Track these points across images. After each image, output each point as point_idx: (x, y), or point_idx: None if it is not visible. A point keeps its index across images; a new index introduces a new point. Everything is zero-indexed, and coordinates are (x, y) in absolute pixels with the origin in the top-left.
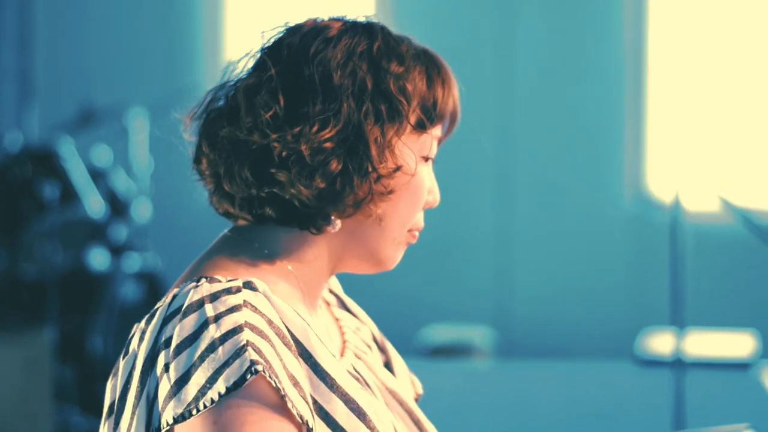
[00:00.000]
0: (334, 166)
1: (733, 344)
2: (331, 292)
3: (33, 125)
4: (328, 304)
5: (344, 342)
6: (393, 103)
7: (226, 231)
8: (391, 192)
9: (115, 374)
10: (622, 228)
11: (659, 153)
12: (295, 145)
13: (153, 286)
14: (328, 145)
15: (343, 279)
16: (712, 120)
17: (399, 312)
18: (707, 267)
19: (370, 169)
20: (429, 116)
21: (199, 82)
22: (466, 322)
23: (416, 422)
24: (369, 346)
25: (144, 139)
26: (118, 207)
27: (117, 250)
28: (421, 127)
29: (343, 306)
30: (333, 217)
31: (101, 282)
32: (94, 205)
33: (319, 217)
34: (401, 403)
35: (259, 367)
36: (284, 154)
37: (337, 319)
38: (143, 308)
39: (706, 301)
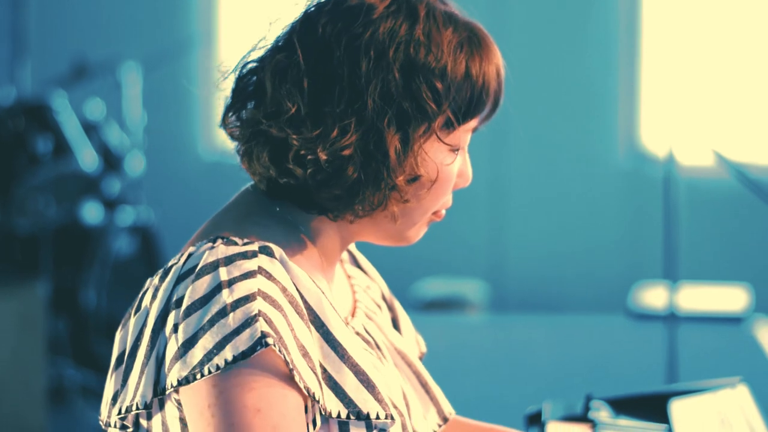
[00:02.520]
0: (350, 173)
1: (726, 298)
2: None
3: (26, 79)
4: (341, 261)
5: (355, 302)
6: (420, 104)
7: (248, 186)
8: (407, 201)
9: (125, 326)
10: (615, 182)
11: (653, 107)
12: (313, 147)
13: (146, 240)
14: (346, 152)
15: None
16: (705, 74)
17: (393, 266)
18: (701, 221)
19: (385, 176)
20: (462, 113)
21: (193, 36)
22: (460, 276)
23: (423, 384)
24: (379, 306)
25: (137, 92)
26: (111, 160)
27: (110, 204)
28: (450, 127)
29: (355, 262)
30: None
31: (94, 235)
32: (88, 158)
33: (333, 212)
34: (409, 365)
35: (270, 340)
36: (302, 152)
37: (349, 277)
38: (137, 261)
39: (699, 255)
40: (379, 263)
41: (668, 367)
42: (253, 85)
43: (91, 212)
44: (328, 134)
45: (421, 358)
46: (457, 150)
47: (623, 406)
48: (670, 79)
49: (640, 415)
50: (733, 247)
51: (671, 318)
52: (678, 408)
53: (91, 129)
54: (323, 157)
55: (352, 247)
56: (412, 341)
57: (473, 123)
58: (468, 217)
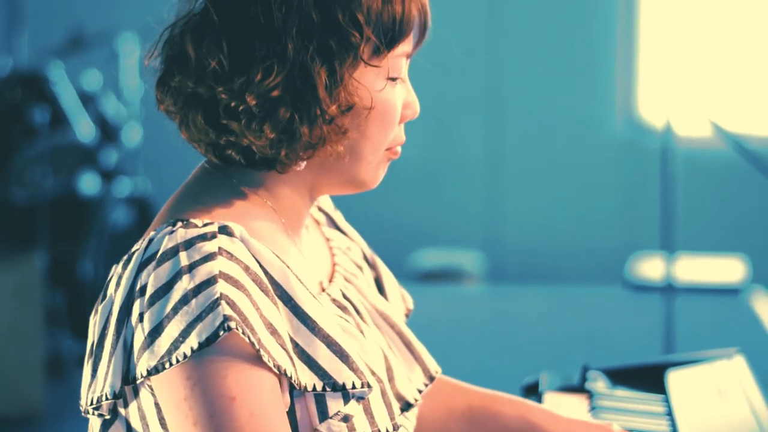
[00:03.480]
0: (282, 113)
1: (724, 269)
2: (320, 210)
3: (23, 50)
4: (318, 223)
5: (334, 265)
6: (343, 36)
7: (203, 163)
8: (345, 131)
9: (95, 314)
10: (613, 153)
11: (650, 78)
12: (241, 96)
13: (143, 211)
14: (274, 93)
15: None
16: (703, 44)
17: (390, 237)
18: (698, 192)
19: (318, 113)
20: (388, 39)
21: None
22: (457, 247)
23: (407, 344)
24: (360, 267)
25: (134, 63)
26: (108, 131)
27: (107, 175)
28: (378, 53)
29: (333, 224)
30: (293, 160)
31: (92, 207)
32: (85, 129)
33: (277, 162)
34: (392, 326)
35: (233, 324)
36: (232, 104)
37: (327, 240)
38: (134, 233)
39: (696, 226)
40: (375, 234)
41: (665, 338)
42: (176, 55)
43: (89, 183)
44: (253, 79)
45: (408, 315)
46: (395, 79)
47: (620, 376)
48: (667, 49)
49: (637, 386)
50: (730, 218)
51: (668, 289)
52: (675, 378)
53: (88, 100)
54: (252, 102)
55: (330, 208)
56: (397, 300)
57: (404, 48)
58: (464, 188)
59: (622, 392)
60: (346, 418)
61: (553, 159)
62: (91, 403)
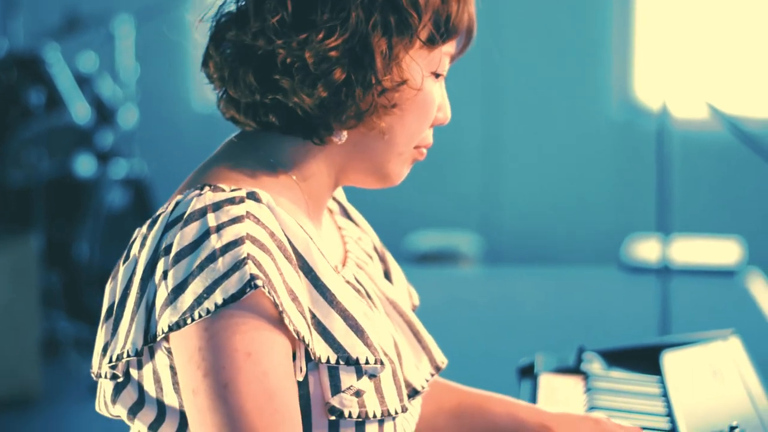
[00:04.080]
0: (338, 75)
1: (719, 251)
2: (334, 199)
3: (18, 31)
4: (331, 212)
5: (346, 252)
6: (403, 15)
7: (232, 137)
8: (394, 106)
9: (115, 277)
10: (609, 135)
11: (647, 60)
12: (299, 53)
13: (139, 192)
14: (333, 54)
15: None
16: (699, 26)
17: (386, 218)
18: (694, 174)
19: (373, 81)
20: (441, 32)
21: None
22: (453, 229)
23: (415, 333)
24: (370, 256)
25: (130, 45)
26: (104, 113)
27: (103, 157)
28: (431, 42)
29: (346, 214)
30: (336, 128)
31: (87, 188)
32: (80, 111)
33: (322, 127)
34: (401, 314)
35: (259, 282)
36: (288, 60)
37: (339, 228)
38: (130, 214)
39: (692, 207)
40: (372, 216)
41: (661, 320)
42: (234, 13)
43: (84, 165)
44: (314, 38)
45: (413, 310)
46: (438, 76)
47: (616, 358)
48: (664, 31)
49: (632, 367)
50: (726, 199)
51: (664, 271)
52: (670, 360)
53: (83, 81)
54: (310, 60)
55: (343, 198)
56: (404, 293)
57: (450, 48)
58: (461, 170)
59: (617, 373)
60: (358, 393)
61: (549, 141)
62: (110, 361)
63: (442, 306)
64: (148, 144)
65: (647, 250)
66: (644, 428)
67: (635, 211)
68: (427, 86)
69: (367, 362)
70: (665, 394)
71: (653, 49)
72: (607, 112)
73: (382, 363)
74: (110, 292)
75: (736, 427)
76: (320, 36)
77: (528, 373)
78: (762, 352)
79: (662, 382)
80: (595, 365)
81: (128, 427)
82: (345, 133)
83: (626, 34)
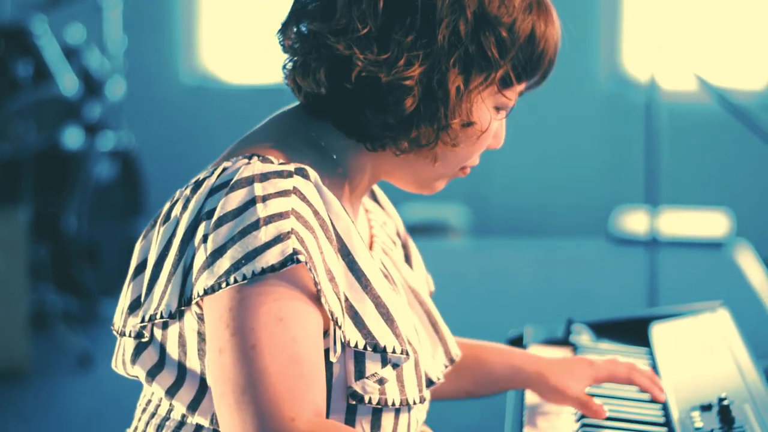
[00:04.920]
0: (408, 104)
1: (707, 223)
2: None
3: (5, 3)
4: None
5: (372, 236)
6: (486, 55)
7: (284, 110)
8: (455, 145)
9: (146, 237)
10: (597, 107)
11: (635, 31)
12: (376, 70)
13: (127, 164)
14: (408, 82)
15: None
16: None
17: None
18: (682, 146)
19: (442, 118)
20: (518, 74)
21: None
22: (441, 201)
23: (433, 324)
24: (393, 242)
25: (118, 16)
26: (92, 85)
27: (91, 129)
28: (506, 84)
29: (374, 197)
30: (390, 149)
31: (75, 160)
32: (68, 83)
33: (377, 142)
34: (421, 303)
35: (302, 258)
36: (363, 74)
37: (367, 211)
38: (118, 186)
39: (681, 180)
40: None
41: (649, 292)
42: (326, 2)
43: (72, 137)
44: (395, 61)
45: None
46: (504, 110)
47: (604, 329)
48: (652, 2)
49: (620, 339)
50: (714, 172)
51: (652, 242)
52: (659, 331)
53: (71, 53)
54: (384, 81)
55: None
56: (422, 279)
57: (523, 86)
58: None
59: (606, 345)
60: (380, 381)
61: (538, 112)
62: (141, 321)
63: (431, 277)
64: (135, 116)
65: (635, 222)
66: (632, 399)
67: (624, 183)
68: (491, 126)
69: (393, 351)
70: (654, 366)
71: (642, 20)
72: (596, 84)
73: (407, 353)
74: (140, 251)
75: (724, 399)
76: (401, 62)
77: (517, 344)
78: (750, 323)
79: (651, 353)
80: (583, 337)
81: (115, 397)
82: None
83: (614, 6)
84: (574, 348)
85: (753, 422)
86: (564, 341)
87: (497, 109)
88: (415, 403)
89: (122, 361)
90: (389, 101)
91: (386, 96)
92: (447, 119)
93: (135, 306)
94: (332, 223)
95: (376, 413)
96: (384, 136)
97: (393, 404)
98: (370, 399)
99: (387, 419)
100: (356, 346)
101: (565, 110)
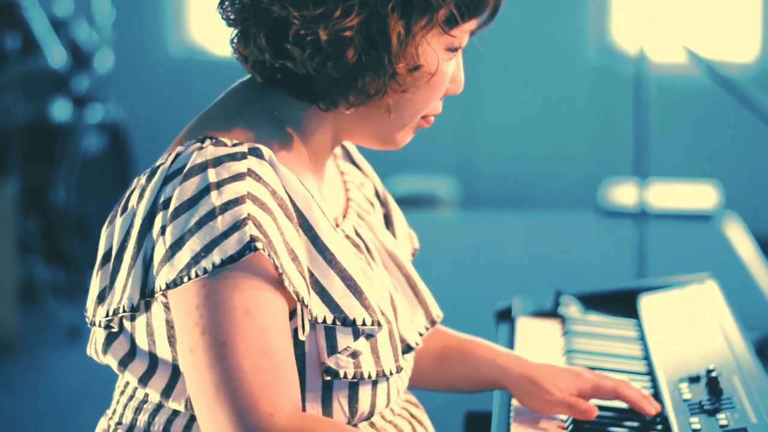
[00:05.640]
0: (350, 56)
1: (696, 195)
2: None
3: None
4: (334, 155)
5: (348, 200)
6: None
7: (237, 84)
8: (405, 90)
9: (111, 223)
10: (586, 79)
11: (624, 3)
12: (313, 27)
13: (115, 137)
14: (347, 33)
15: None
16: None
17: None
18: (671, 118)
19: (386, 65)
20: (462, 12)
21: None
22: (430, 173)
23: (412, 287)
24: (371, 203)
25: None
26: (80, 57)
27: (79, 101)
28: (451, 24)
29: (349, 157)
30: (342, 104)
31: (64, 133)
32: (56, 55)
33: (328, 99)
34: (399, 267)
35: (259, 245)
36: (302, 32)
37: (342, 173)
38: (106, 159)
39: (669, 152)
40: None
41: (638, 264)
42: None
43: (60, 110)
44: (331, 14)
45: (414, 254)
46: (455, 50)
47: (593, 301)
48: None
49: (609, 311)
50: (703, 144)
51: (641, 215)
52: (647, 303)
53: (59, 25)
54: (324, 36)
55: (347, 142)
56: (404, 239)
57: (472, 24)
58: (438, 114)
59: (594, 317)
60: (354, 354)
61: (527, 85)
62: (106, 315)
63: (420, 250)
64: (124, 88)
65: (624, 194)
66: (621, 371)
67: (612, 155)
68: (442, 67)
69: (364, 323)
70: (642, 338)
71: None
72: (585, 56)
73: (379, 324)
74: (106, 239)
75: (712, 370)
76: (337, 13)
77: (505, 316)
78: (738, 295)
79: (639, 325)
80: (572, 309)
81: (103, 369)
82: (352, 108)
83: None
84: (563, 320)
85: (741, 394)
86: (552, 313)
87: (449, 50)
88: (391, 374)
89: (95, 350)
90: (331, 55)
91: (327, 50)
92: (392, 65)
93: (102, 297)
94: (291, 200)
95: (353, 387)
96: (333, 92)
97: (369, 377)
98: (345, 373)
99: (364, 392)
100: (325, 321)
101: (554, 82)
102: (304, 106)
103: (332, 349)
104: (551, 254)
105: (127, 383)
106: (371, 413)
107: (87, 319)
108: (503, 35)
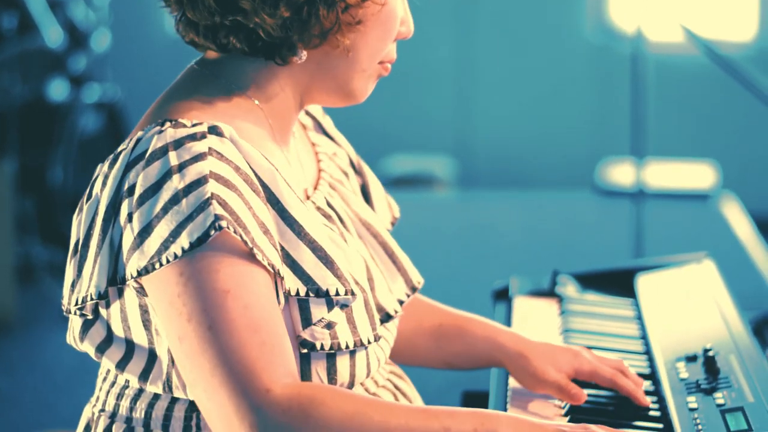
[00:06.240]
0: None
1: (693, 174)
2: (308, 114)
3: None
4: (304, 127)
5: (319, 171)
6: None
7: (192, 64)
8: (359, 22)
9: (81, 211)
10: (583, 58)
11: None
12: None
13: (112, 116)
14: None
15: None
16: None
17: (359, 142)
18: (669, 97)
19: None
20: None
21: None
22: (428, 153)
23: (390, 254)
24: (345, 173)
25: None
26: (77, 37)
27: (76, 81)
28: None
29: (321, 128)
30: (299, 48)
31: (60, 113)
32: (53, 35)
33: (284, 47)
34: (375, 236)
35: (224, 223)
36: None
37: (313, 145)
38: (103, 138)
39: (667, 131)
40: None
41: (635, 243)
42: None
43: (57, 89)
44: None
45: (394, 223)
46: None
47: (590, 281)
48: None
49: (606, 290)
50: (700, 123)
51: (638, 194)
52: (644, 282)
53: (56, 5)
54: None
55: (318, 113)
56: (383, 208)
57: None
58: (435, 93)
59: (591, 296)
60: (329, 325)
61: (524, 64)
62: (76, 303)
63: (417, 230)
64: (121, 68)
65: (622, 173)
66: (618, 350)
67: (610, 134)
68: (390, 1)
69: (337, 293)
70: (639, 317)
71: None
72: (582, 36)
73: (353, 293)
74: (76, 227)
75: (709, 350)
76: None
77: (503, 296)
78: (735, 275)
79: (636, 304)
80: (569, 288)
81: None
82: (305, 53)
83: None
84: (560, 299)
85: (738, 373)
86: (550, 292)
87: None
88: (369, 342)
89: (73, 338)
90: None
91: None
92: None
93: (73, 286)
94: (256, 175)
95: (331, 358)
96: (288, 38)
97: (347, 347)
98: (321, 345)
99: (342, 363)
100: (298, 293)
101: (551, 62)
102: (262, 71)
103: (307, 322)
104: (549, 234)
105: (109, 370)
106: (351, 383)
107: (63, 308)
108: (500, 15)
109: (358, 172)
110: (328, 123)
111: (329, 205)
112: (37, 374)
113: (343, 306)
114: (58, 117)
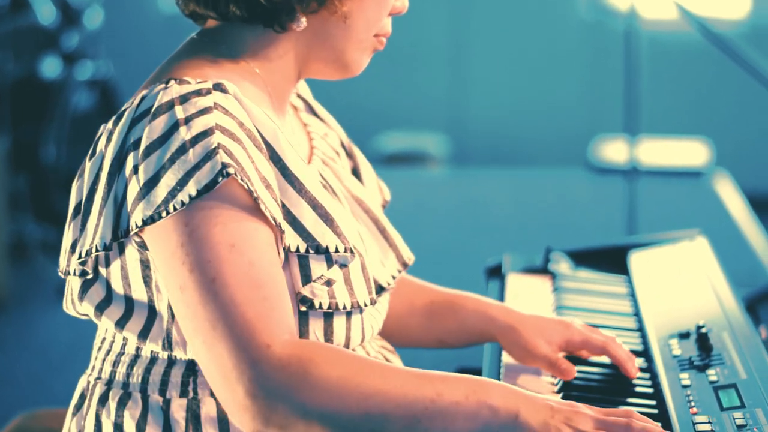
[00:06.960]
0: None
1: (687, 152)
2: (299, 96)
3: None
4: (296, 109)
5: (312, 149)
6: None
7: (193, 35)
8: None
9: (81, 175)
10: (577, 35)
11: None
12: None
13: (105, 94)
14: None
15: None
16: None
17: (352, 119)
18: (662, 75)
19: None
20: None
21: None
22: (421, 130)
23: (381, 231)
24: (337, 153)
25: None
26: (69, 14)
27: (69, 58)
28: None
29: (311, 111)
30: (297, 13)
31: (53, 90)
32: (46, 12)
33: (284, 12)
34: (367, 212)
35: (231, 170)
36: None
37: (305, 125)
38: (96, 115)
39: (660, 108)
40: (339, 117)
41: (628, 220)
42: None
43: (50, 66)
44: None
45: (384, 207)
46: None
47: (583, 258)
48: None
49: (599, 267)
50: (694, 100)
51: (631, 171)
52: (637, 259)
53: None
54: None
55: (308, 95)
56: (374, 190)
57: None
58: (428, 70)
59: (584, 273)
60: (328, 282)
61: (517, 41)
62: (79, 257)
63: (410, 207)
64: (113, 45)
65: (615, 151)
66: (611, 327)
67: (603, 112)
68: None
69: (336, 251)
70: (632, 294)
71: None
72: (576, 12)
73: (352, 251)
74: (77, 190)
75: (702, 327)
76: None
77: (496, 273)
78: (728, 252)
79: (629, 281)
80: (562, 265)
81: (94, 326)
82: (304, 20)
83: None
84: (553, 276)
85: (731, 350)
86: (543, 269)
87: None
88: (366, 305)
89: (71, 301)
90: None
91: None
92: None
93: (74, 246)
94: (259, 132)
95: (328, 318)
96: (287, 2)
97: (344, 307)
98: (320, 304)
99: (339, 324)
100: (298, 250)
101: (544, 39)
102: (261, 38)
103: (306, 278)
104: (542, 211)
105: (104, 338)
106: (346, 346)
107: (60, 273)
108: None
109: (349, 154)
110: (318, 106)
111: (323, 178)
112: (30, 352)
113: (342, 265)
114: (51, 94)
